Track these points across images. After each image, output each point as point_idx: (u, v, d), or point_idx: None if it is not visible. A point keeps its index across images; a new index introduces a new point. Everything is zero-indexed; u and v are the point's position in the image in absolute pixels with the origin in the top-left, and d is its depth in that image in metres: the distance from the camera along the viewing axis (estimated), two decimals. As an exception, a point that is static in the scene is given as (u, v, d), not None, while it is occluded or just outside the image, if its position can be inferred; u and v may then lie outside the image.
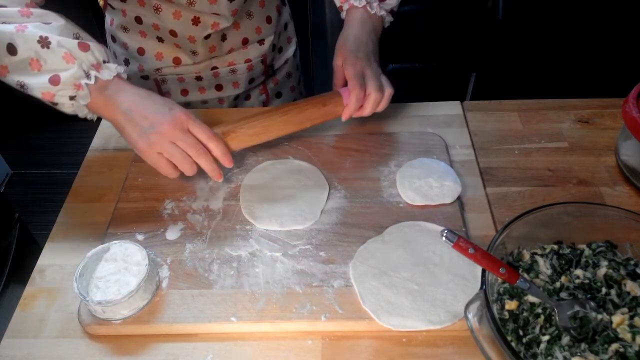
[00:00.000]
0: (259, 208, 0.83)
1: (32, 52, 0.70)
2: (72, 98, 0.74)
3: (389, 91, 0.88)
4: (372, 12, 0.94)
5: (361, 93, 0.85)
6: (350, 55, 0.88)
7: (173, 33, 1.00)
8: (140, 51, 1.06)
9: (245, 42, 1.07)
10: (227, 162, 0.79)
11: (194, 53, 1.04)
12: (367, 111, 0.87)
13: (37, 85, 0.71)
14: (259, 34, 1.08)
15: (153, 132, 0.74)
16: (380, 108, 0.88)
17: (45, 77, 0.71)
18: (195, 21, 0.98)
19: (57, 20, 0.74)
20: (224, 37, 1.04)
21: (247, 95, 1.18)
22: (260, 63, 1.12)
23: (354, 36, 0.91)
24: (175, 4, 0.95)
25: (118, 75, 0.77)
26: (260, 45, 1.10)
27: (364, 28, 0.92)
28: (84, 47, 0.73)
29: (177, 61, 1.06)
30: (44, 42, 0.70)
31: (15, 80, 0.72)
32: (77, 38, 0.74)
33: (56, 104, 0.74)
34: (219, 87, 1.12)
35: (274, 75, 1.20)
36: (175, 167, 0.77)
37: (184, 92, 1.11)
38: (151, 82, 1.10)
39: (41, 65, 0.71)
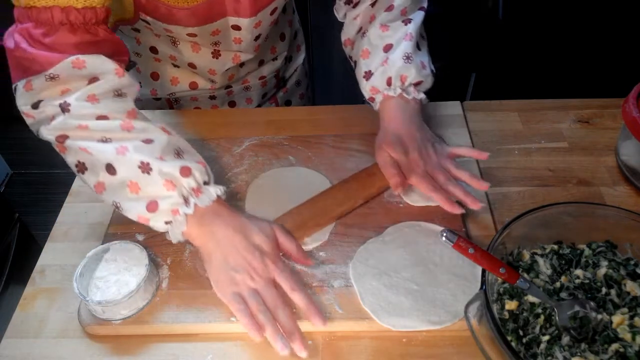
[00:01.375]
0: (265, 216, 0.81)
1: (132, 175, 0.67)
2: (167, 222, 0.69)
3: (465, 177, 0.78)
4: (410, 98, 0.84)
5: (441, 193, 0.77)
6: (402, 156, 0.80)
7: (192, 65, 0.96)
8: (154, 76, 1.00)
9: (261, 63, 1.05)
10: (314, 316, 0.66)
11: (212, 81, 1.01)
12: (469, 203, 0.76)
13: (133, 209, 0.68)
14: (273, 53, 1.06)
15: (236, 274, 0.68)
16: (477, 185, 0.78)
17: (143, 202, 0.68)
18: (216, 54, 0.93)
19: (159, 137, 0.70)
20: (241, 64, 1.01)
21: (257, 106, 1.16)
22: (274, 78, 1.10)
23: (399, 130, 0.82)
24: (195, 40, 0.89)
25: (217, 200, 0.71)
26: (274, 61, 1.08)
27: (405, 116, 0.83)
28: (186, 173, 0.68)
29: (193, 86, 1.01)
30: (145, 168, 0.67)
31: (112, 200, 0.69)
32: (177, 155, 0.70)
33: (151, 227, 0.70)
34: (232, 104, 1.10)
35: (284, 85, 1.17)
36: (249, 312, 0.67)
37: (197, 109, 1.08)
38: (163, 102, 1.06)
39: (140, 189, 0.67)
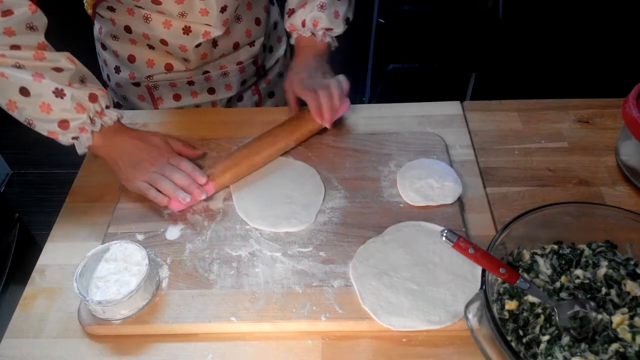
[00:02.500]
0: (253, 207, 0.83)
1: (45, 98, 0.78)
2: (74, 138, 0.82)
3: (332, 83, 0.91)
4: (318, 40, 1.00)
5: (314, 96, 0.90)
6: (295, 76, 0.96)
7: (164, 42, 1.00)
8: (131, 58, 1.05)
9: (236, 46, 1.07)
10: (199, 176, 0.83)
11: (185, 60, 1.04)
12: (326, 115, 0.89)
13: (45, 126, 0.80)
14: (249, 37, 1.08)
15: (139, 165, 0.83)
16: (336, 100, 0.90)
17: (54, 121, 0.79)
18: (186, 30, 0.97)
19: (67, 66, 0.80)
20: (214, 44, 1.04)
21: (239, 97, 1.17)
22: (252, 64, 1.12)
23: (300, 62, 0.99)
24: (165, 14, 0.95)
25: (117, 120, 0.85)
26: (250, 47, 1.10)
27: (308, 53, 1.00)
28: (93, 98, 0.81)
29: (169, 67, 1.05)
30: (59, 94, 0.78)
31: (24, 117, 0.79)
32: (82, 82, 0.82)
33: (58, 140, 0.82)
34: (211, 91, 1.12)
35: (266, 75, 1.19)
36: (160, 193, 0.82)
37: (177, 97, 1.11)
38: (143, 88, 1.09)
39: (51, 110, 0.79)
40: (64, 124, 0.79)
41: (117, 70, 1.08)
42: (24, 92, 0.77)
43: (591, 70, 1.79)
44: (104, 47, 1.08)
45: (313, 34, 1.00)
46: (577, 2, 1.77)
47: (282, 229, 0.80)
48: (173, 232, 0.81)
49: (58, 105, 0.78)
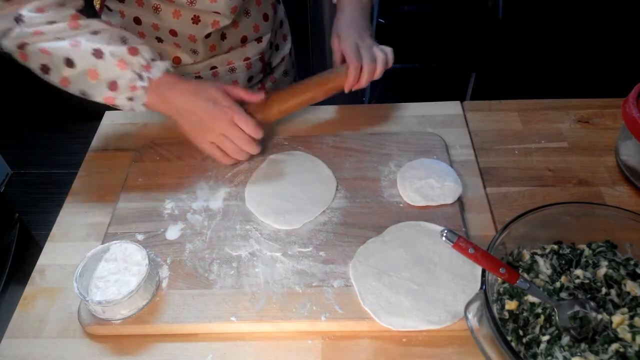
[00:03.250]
0: (263, 201, 0.84)
1: (89, 64, 0.78)
2: (130, 99, 0.82)
3: (380, 56, 0.92)
4: None
5: (358, 65, 0.90)
6: (344, 34, 0.94)
7: (173, 32, 1.00)
8: None
9: (244, 40, 1.08)
10: (258, 133, 0.87)
11: (194, 52, 1.04)
12: (363, 81, 0.91)
13: (98, 92, 0.81)
14: (256, 32, 1.08)
15: (201, 127, 0.85)
16: (377, 75, 0.92)
17: (103, 84, 0.80)
18: (196, 20, 0.98)
19: (104, 29, 0.81)
20: (223, 36, 1.04)
21: None
22: (259, 61, 1.13)
23: (347, 17, 0.98)
24: (175, 3, 0.95)
25: (167, 71, 0.84)
26: (258, 43, 1.10)
27: (354, 8, 0.98)
28: (134, 52, 0.81)
29: (177, 60, 1.06)
30: (98, 54, 0.79)
31: (78, 89, 0.81)
32: (124, 41, 0.81)
33: (116, 105, 0.83)
34: None
35: (272, 73, 1.20)
36: (226, 154, 0.88)
37: None
38: None
39: (98, 75, 0.79)
40: (113, 85, 0.79)
41: None
42: (69, 63, 0.78)
43: (591, 70, 1.79)
44: None
45: None
46: (577, 2, 1.77)
47: (293, 224, 0.81)
48: (173, 232, 0.81)
49: (101, 66, 0.78)
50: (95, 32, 0.80)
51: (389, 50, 0.95)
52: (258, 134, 0.87)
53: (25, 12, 0.77)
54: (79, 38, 0.79)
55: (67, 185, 0.90)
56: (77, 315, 0.71)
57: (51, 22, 0.78)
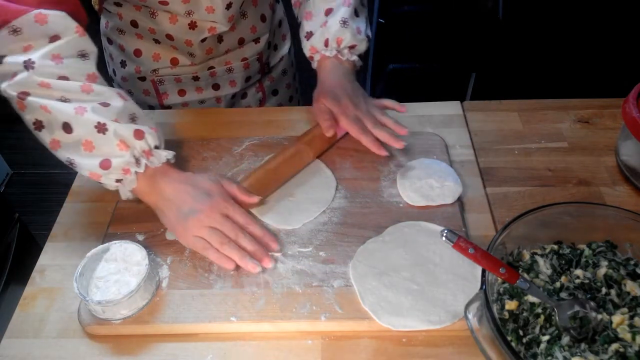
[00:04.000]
0: (262, 202, 0.84)
1: (87, 134, 0.72)
2: (118, 181, 0.76)
3: (389, 122, 0.88)
4: (344, 59, 0.94)
5: (368, 135, 0.87)
6: (335, 105, 0.89)
7: (169, 37, 1.00)
8: (137, 53, 1.05)
9: (241, 42, 1.07)
10: (270, 241, 0.76)
11: (191, 55, 1.04)
12: (393, 143, 0.87)
13: (86, 166, 0.74)
14: (254, 33, 1.08)
15: (192, 217, 0.74)
16: (400, 131, 0.88)
17: (96, 160, 0.73)
18: (192, 26, 0.98)
19: (115, 102, 0.75)
20: (220, 39, 1.04)
21: (243, 94, 1.18)
22: (257, 61, 1.13)
23: (332, 83, 0.92)
24: (171, 12, 0.95)
25: (167, 161, 0.79)
26: (256, 43, 1.10)
27: (337, 74, 0.93)
28: (139, 135, 0.74)
29: (174, 62, 1.06)
30: (101, 129, 0.72)
31: (66, 157, 0.74)
32: (133, 119, 0.76)
33: (102, 183, 0.77)
34: (216, 87, 1.12)
35: (270, 72, 1.20)
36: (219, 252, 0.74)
37: (182, 92, 1.11)
38: (148, 83, 1.09)
39: (94, 148, 0.73)
40: (105, 163, 0.73)
41: (123, 64, 1.09)
42: (67, 128, 0.71)
43: (591, 70, 1.79)
44: (110, 41, 1.09)
45: (338, 52, 0.94)
46: (577, 2, 1.77)
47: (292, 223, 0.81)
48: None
49: (100, 141, 0.72)
50: (105, 104, 0.73)
51: (387, 101, 0.92)
52: (268, 240, 0.76)
53: (37, 57, 0.70)
54: (86, 105, 0.72)
55: (67, 185, 0.90)
56: (77, 315, 0.71)
57: (63, 78, 0.72)
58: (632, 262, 0.68)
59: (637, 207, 0.81)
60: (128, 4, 0.97)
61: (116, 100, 0.75)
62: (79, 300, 0.72)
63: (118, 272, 0.72)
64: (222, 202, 0.76)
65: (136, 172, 0.75)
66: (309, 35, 0.95)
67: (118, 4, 0.99)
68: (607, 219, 0.70)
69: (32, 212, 1.93)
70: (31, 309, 0.73)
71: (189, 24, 0.97)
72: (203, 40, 1.00)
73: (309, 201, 0.84)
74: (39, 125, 0.73)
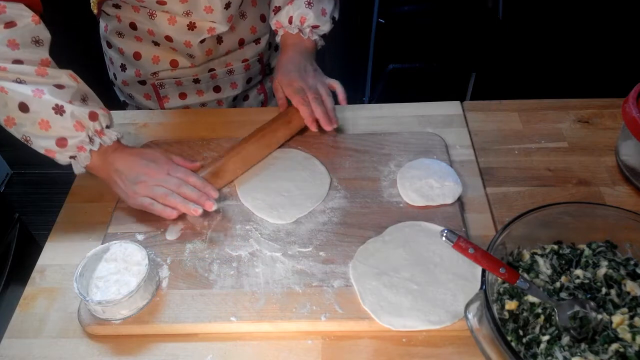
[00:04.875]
0: (257, 196, 0.85)
1: (45, 114, 0.75)
2: (72, 157, 0.80)
3: (328, 103, 0.91)
4: (305, 38, 0.99)
5: (308, 108, 0.91)
6: (285, 76, 0.95)
7: (168, 38, 1.00)
8: (137, 55, 1.05)
9: (241, 42, 1.07)
10: (210, 191, 0.82)
11: (190, 56, 1.04)
12: (323, 123, 0.91)
13: (42, 143, 0.77)
14: (254, 34, 1.08)
15: (139, 180, 0.80)
16: (329, 110, 0.92)
17: (52, 138, 0.77)
18: (191, 26, 0.98)
19: (69, 83, 0.78)
20: (219, 40, 1.04)
21: (245, 96, 1.18)
22: (257, 62, 1.12)
23: (287, 59, 0.98)
24: (170, 12, 0.95)
25: (117, 140, 0.83)
26: (256, 44, 1.10)
27: (295, 50, 0.99)
28: (93, 117, 0.79)
29: (174, 64, 1.05)
30: (59, 110, 0.76)
31: (22, 133, 0.77)
32: (84, 100, 0.80)
33: (55, 159, 0.80)
34: (217, 89, 1.12)
35: (271, 74, 1.19)
36: (165, 205, 0.80)
37: (182, 95, 1.11)
38: (149, 86, 1.09)
39: (50, 127, 0.76)
40: (62, 141, 0.77)
41: (123, 68, 1.08)
42: (23, 107, 0.74)
43: (591, 70, 1.79)
44: (109, 45, 1.09)
45: (300, 30, 0.99)
46: (577, 2, 1.77)
47: (287, 218, 0.82)
48: (173, 232, 0.81)
49: (57, 122, 0.76)
50: (60, 86, 0.77)
51: (336, 83, 0.95)
52: (208, 189, 0.82)
53: None
54: (43, 88, 0.75)
55: (67, 185, 0.90)
56: (77, 315, 0.71)
57: (18, 62, 0.75)
58: (632, 262, 0.68)
59: (637, 207, 0.81)
60: (127, 6, 0.97)
61: (70, 82, 0.79)
62: (79, 300, 0.72)
63: (118, 272, 0.72)
64: (165, 165, 0.83)
65: (90, 150, 0.80)
66: (276, 9, 1.01)
67: (117, 6, 0.99)
68: (607, 219, 0.70)
69: (32, 212, 1.93)
70: (31, 309, 0.73)
71: (187, 25, 0.97)
72: (202, 41, 1.00)
73: (303, 196, 0.84)
74: None
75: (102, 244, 0.76)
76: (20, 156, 2.34)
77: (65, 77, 0.78)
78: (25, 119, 0.75)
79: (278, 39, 1.02)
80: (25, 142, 0.78)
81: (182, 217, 0.82)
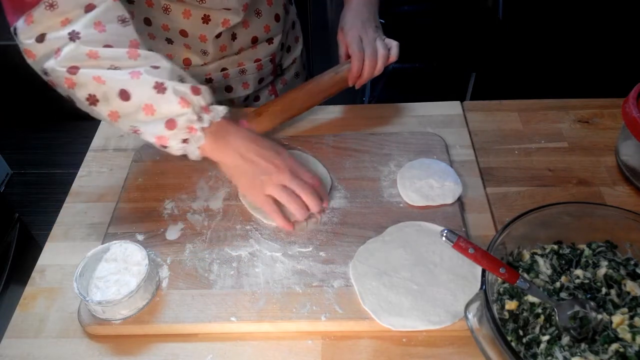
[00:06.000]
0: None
1: (147, 98, 0.71)
2: (184, 141, 0.75)
3: (381, 52, 0.91)
4: None
5: (360, 57, 0.90)
6: (348, 25, 0.94)
7: (183, 33, 0.99)
8: None
9: (254, 40, 1.07)
10: (324, 194, 0.83)
11: (204, 53, 1.03)
12: (365, 76, 0.91)
13: (152, 129, 0.73)
14: (267, 33, 1.08)
15: (263, 175, 0.77)
16: (377, 70, 0.92)
17: (160, 122, 0.72)
18: (206, 19, 0.97)
19: (163, 64, 0.74)
20: (234, 36, 1.04)
21: (256, 97, 1.17)
22: (269, 62, 1.12)
23: (351, 9, 0.97)
24: (185, 2, 0.94)
25: (224, 117, 0.78)
26: (269, 44, 1.10)
27: (360, 2, 0.97)
28: (196, 91, 0.74)
29: (187, 62, 1.05)
30: (160, 88, 0.71)
31: (129, 124, 0.73)
32: (182, 79, 0.75)
33: (166, 147, 0.75)
34: (228, 89, 1.11)
35: (283, 75, 1.19)
36: (282, 214, 0.79)
37: None
38: None
39: (155, 111, 0.72)
40: (170, 123, 0.72)
41: None
42: (124, 95, 0.70)
43: (591, 70, 1.79)
44: None
45: None
46: (577, 2, 1.78)
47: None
48: (173, 232, 0.81)
49: (161, 101, 0.71)
50: (155, 67, 0.73)
51: (394, 44, 0.94)
52: (325, 195, 0.82)
53: (81, 27, 0.69)
54: (140, 69, 0.71)
55: (67, 185, 0.90)
56: (77, 315, 0.71)
57: (108, 46, 0.70)
58: (632, 262, 0.68)
59: (637, 207, 0.81)
60: (141, 1, 0.96)
61: (164, 62, 0.74)
62: (79, 300, 0.72)
63: (118, 272, 0.72)
64: (289, 161, 0.79)
65: (202, 129, 0.74)
66: None
67: (130, 1, 0.97)
68: (607, 219, 0.70)
69: (32, 212, 1.93)
70: (31, 309, 0.73)
71: (202, 18, 0.97)
72: (217, 36, 1.00)
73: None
74: (93, 99, 0.71)
75: (102, 244, 0.76)
76: (20, 156, 2.35)
77: (158, 56, 0.75)
78: (128, 108, 0.71)
79: None
80: (135, 134, 0.74)
81: (182, 217, 0.83)
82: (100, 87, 0.70)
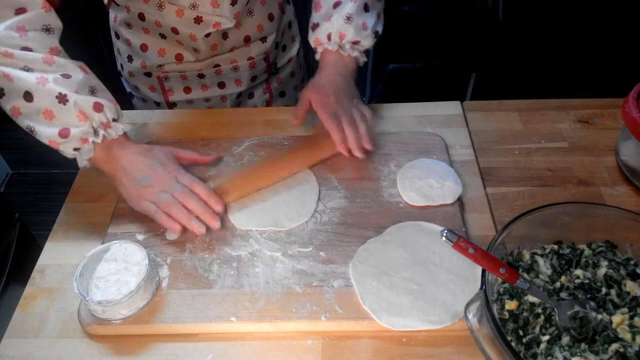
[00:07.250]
0: (244, 208, 0.83)
1: (48, 103, 0.75)
2: (76, 149, 0.79)
3: (362, 129, 0.87)
4: (345, 54, 0.94)
5: (340, 134, 0.86)
6: (320, 96, 0.90)
7: (175, 30, 1.00)
8: (143, 47, 1.06)
9: (247, 39, 1.07)
10: (214, 204, 0.80)
11: (195, 50, 1.04)
12: (355, 152, 0.87)
13: (46, 133, 0.76)
14: (260, 32, 1.08)
15: (145, 184, 0.79)
16: (365, 144, 0.87)
17: (55, 128, 0.76)
18: (197, 20, 0.98)
19: (76, 74, 0.78)
20: (225, 36, 1.04)
21: (250, 94, 1.18)
22: (263, 60, 1.12)
23: (325, 77, 0.93)
24: (177, 4, 0.95)
25: (124, 134, 0.82)
26: (262, 43, 1.10)
27: (335, 69, 0.93)
28: (98, 108, 0.77)
29: (179, 58, 1.06)
30: (62, 99, 0.75)
31: (26, 124, 0.77)
32: (92, 92, 0.78)
33: (60, 151, 0.79)
34: (221, 85, 1.12)
35: (277, 73, 1.19)
36: (169, 216, 0.78)
37: (187, 89, 1.12)
38: (154, 79, 1.10)
39: (54, 117, 0.76)
40: (64, 131, 0.76)
41: (130, 59, 1.09)
42: (28, 96, 0.74)
43: (591, 70, 1.79)
44: (117, 35, 1.10)
45: (340, 47, 0.93)
46: (577, 2, 1.77)
47: (282, 226, 0.81)
48: (173, 232, 0.80)
49: (60, 111, 0.75)
50: (66, 75, 0.76)
51: (366, 111, 0.90)
52: (213, 202, 0.79)
53: (2, 27, 0.74)
54: (48, 76, 0.75)
55: (67, 185, 0.90)
56: (77, 315, 0.71)
57: (26, 49, 0.74)
58: (632, 262, 0.68)
59: (637, 207, 0.81)
60: None
61: (77, 72, 0.78)
62: (79, 300, 0.72)
63: (118, 272, 0.72)
64: (173, 170, 0.81)
65: (94, 142, 0.78)
66: (315, 26, 0.96)
67: None
68: (607, 219, 0.70)
69: (32, 212, 1.93)
70: (31, 309, 0.73)
71: (194, 18, 0.98)
72: (207, 35, 1.01)
73: (294, 209, 0.83)
74: (0, 92, 0.75)
75: (102, 244, 0.75)
76: (20, 156, 2.35)
77: (73, 66, 0.78)
78: (29, 109, 0.75)
79: (317, 56, 0.97)
80: (30, 133, 0.77)
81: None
82: (8, 84, 0.74)
